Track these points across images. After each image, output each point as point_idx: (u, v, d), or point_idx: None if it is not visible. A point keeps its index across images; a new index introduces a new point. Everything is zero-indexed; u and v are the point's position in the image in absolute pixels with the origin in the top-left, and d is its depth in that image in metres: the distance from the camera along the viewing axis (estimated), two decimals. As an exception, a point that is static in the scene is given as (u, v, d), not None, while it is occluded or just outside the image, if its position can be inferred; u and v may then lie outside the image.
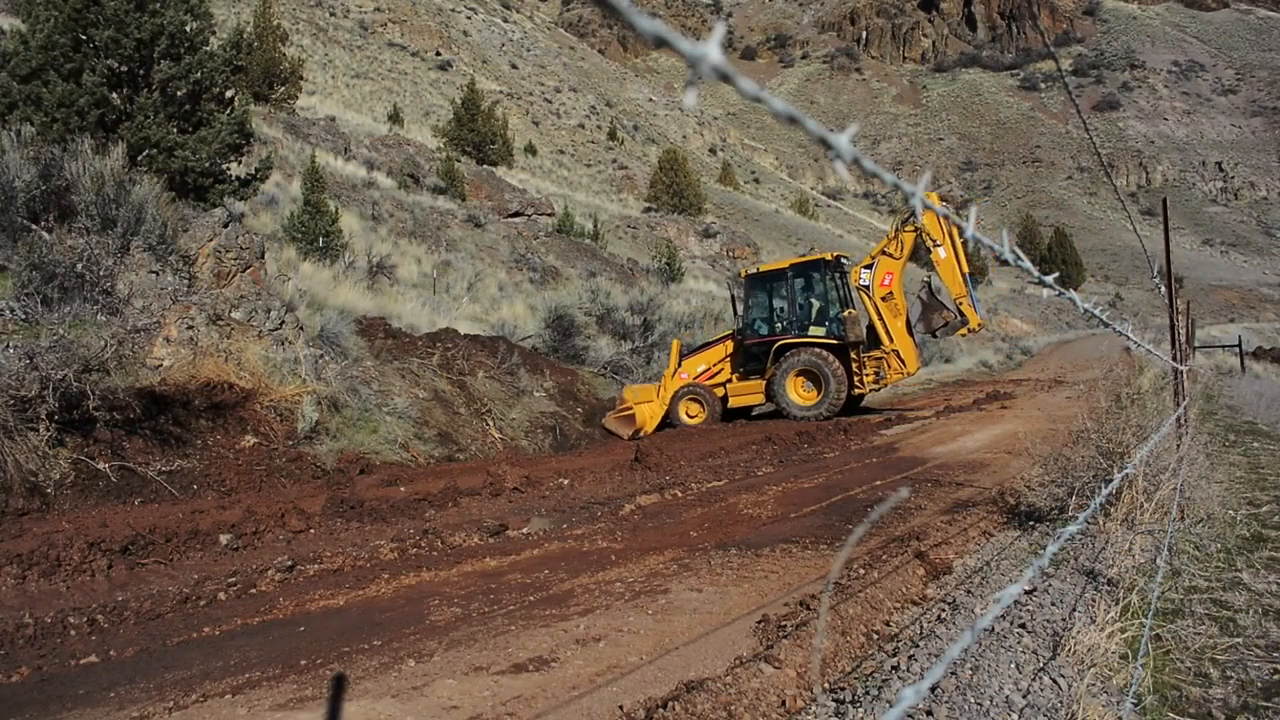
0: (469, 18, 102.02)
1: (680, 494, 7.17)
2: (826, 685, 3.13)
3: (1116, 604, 3.53)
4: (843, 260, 13.87)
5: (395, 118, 49.61)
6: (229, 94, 12.12)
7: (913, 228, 12.65)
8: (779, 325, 13.48)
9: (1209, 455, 6.98)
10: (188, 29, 10.95)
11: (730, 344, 13.97)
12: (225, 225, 8.69)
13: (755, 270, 14.20)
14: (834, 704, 2.95)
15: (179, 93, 11.12)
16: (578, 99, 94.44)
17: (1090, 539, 5.05)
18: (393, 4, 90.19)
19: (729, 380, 13.78)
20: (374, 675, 3.30)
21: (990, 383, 20.51)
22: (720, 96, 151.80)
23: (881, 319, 12.71)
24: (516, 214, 33.91)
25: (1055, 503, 5.87)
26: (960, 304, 12.39)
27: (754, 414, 14.16)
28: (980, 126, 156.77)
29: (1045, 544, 5.10)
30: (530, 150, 62.29)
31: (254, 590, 4.53)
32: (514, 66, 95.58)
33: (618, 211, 47.25)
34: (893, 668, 3.23)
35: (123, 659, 3.56)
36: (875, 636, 3.65)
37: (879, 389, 13.69)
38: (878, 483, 7.49)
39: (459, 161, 34.91)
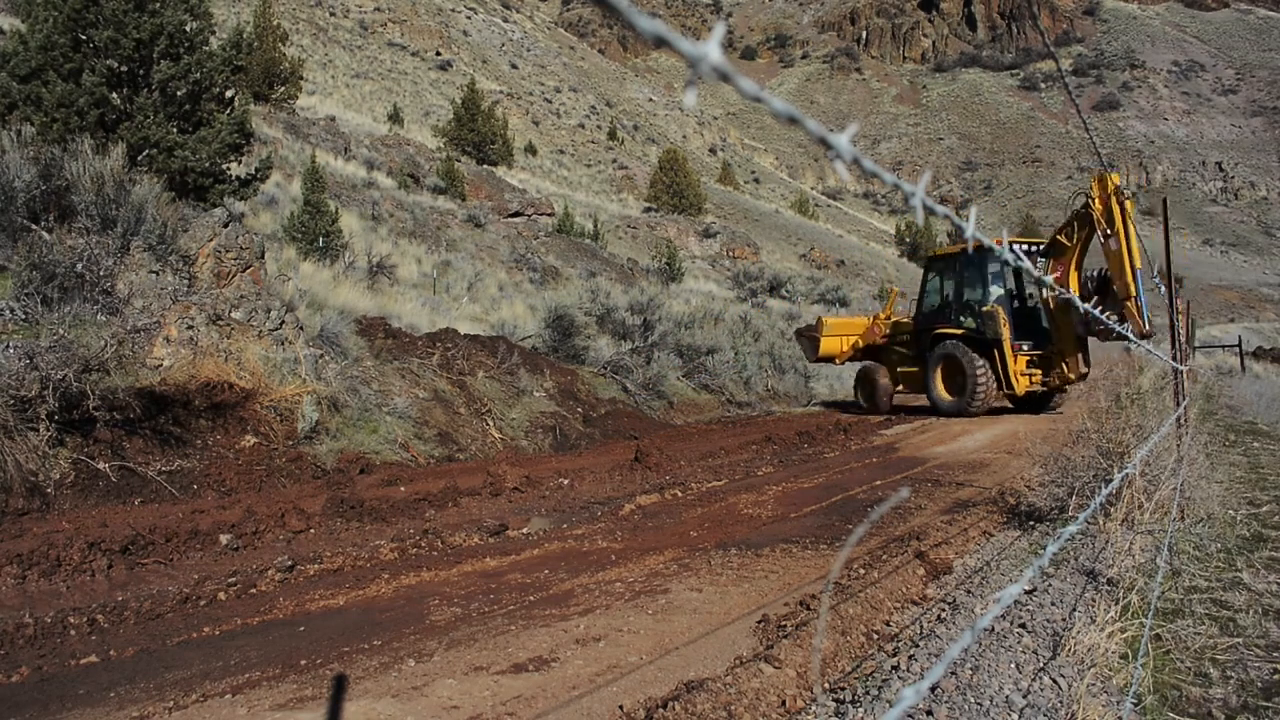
0: (469, 18, 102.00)
1: (680, 494, 7.17)
2: (826, 685, 3.13)
3: (1116, 604, 3.53)
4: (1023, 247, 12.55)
5: (395, 118, 49.63)
6: (229, 94, 12.12)
7: (1084, 214, 11.09)
8: (943, 311, 12.89)
9: (1209, 455, 6.97)
10: (187, 29, 10.94)
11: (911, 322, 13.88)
12: (225, 225, 8.68)
13: (936, 250, 13.91)
14: (834, 704, 2.95)
15: (179, 93, 11.12)
16: (578, 99, 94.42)
17: (1090, 539, 5.05)
18: (393, 4, 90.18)
19: (898, 358, 13.75)
20: (374, 675, 3.30)
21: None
22: (720, 96, 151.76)
23: (1052, 316, 11.77)
24: (516, 214, 33.91)
25: (1055, 503, 5.87)
26: (1124, 307, 10.62)
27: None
28: (980, 126, 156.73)
29: (1045, 544, 5.10)
30: (530, 150, 62.32)
31: (254, 590, 4.53)
32: (514, 66, 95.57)
33: (618, 211, 47.26)
34: (893, 668, 3.23)
35: (123, 659, 3.56)
36: (875, 636, 3.65)
37: (1045, 389, 12.43)
38: (878, 483, 7.49)
39: (459, 161, 34.91)
